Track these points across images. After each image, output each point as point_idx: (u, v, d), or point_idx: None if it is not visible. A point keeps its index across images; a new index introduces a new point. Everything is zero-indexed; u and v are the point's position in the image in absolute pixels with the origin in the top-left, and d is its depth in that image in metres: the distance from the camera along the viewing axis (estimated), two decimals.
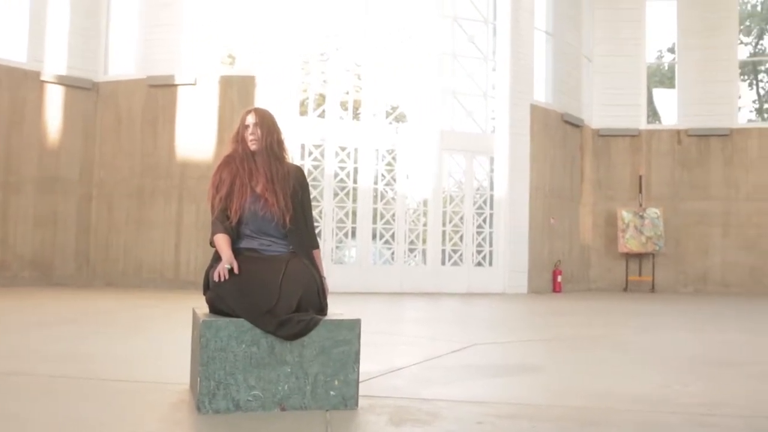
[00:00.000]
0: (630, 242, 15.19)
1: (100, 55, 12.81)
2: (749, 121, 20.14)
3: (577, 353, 5.29)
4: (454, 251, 13.16)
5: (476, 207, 13.38)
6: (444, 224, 13.11)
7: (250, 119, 3.39)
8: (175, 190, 12.14)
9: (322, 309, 3.22)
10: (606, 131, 15.92)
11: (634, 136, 15.80)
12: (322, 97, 12.98)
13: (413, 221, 13.17)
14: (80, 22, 12.54)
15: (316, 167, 12.33)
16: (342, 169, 12.53)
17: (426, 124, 13.25)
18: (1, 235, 11.74)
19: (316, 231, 12.05)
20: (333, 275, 10.39)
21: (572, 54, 15.15)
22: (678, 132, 15.71)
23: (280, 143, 3.45)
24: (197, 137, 12.08)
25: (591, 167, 15.80)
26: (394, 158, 12.96)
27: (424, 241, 13.06)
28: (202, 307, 3.33)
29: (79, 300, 9.14)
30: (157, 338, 5.56)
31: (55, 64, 12.28)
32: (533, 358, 5.04)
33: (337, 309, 3.39)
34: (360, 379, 3.15)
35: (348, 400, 3.06)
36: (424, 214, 13.21)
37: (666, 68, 21.90)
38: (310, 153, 12.29)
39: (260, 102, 11.47)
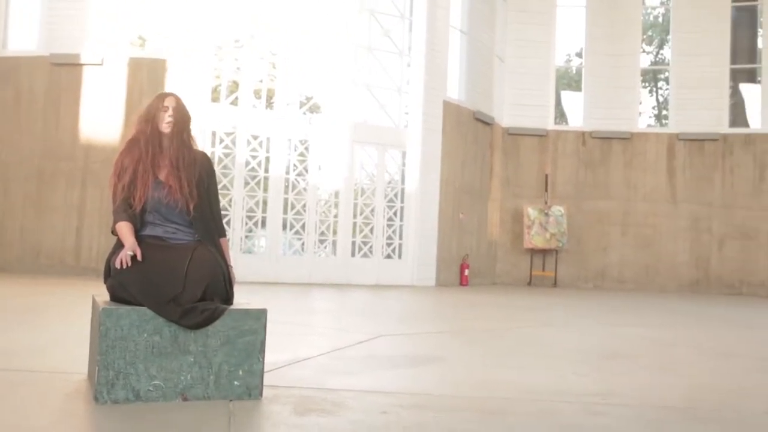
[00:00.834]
0: (535, 238, 15.67)
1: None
2: (648, 126, 21.12)
3: (480, 345, 5.43)
4: (364, 243, 13.23)
5: (387, 200, 13.49)
6: (355, 216, 13.15)
7: (170, 102, 3.35)
8: (78, 174, 11.67)
9: (229, 299, 3.19)
10: (515, 130, 16.35)
11: (541, 135, 16.30)
12: (236, 84, 12.75)
13: (324, 212, 13.15)
14: None
15: (227, 155, 12.11)
16: (254, 157, 12.37)
17: (339, 115, 13.24)
18: None
19: (226, 220, 11.86)
20: (242, 265, 10.25)
21: (485, 53, 15.46)
22: (583, 134, 16.31)
23: (188, 132, 3.42)
24: (103, 120, 11.64)
25: (500, 164, 16.20)
26: (306, 149, 12.89)
27: (335, 233, 13.07)
28: (103, 294, 3.24)
29: None
30: (53, 327, 5.35)
31: None
32: (438, 349, 5.14)
33: (243, 299, 3.36)
34: (265, 370, 3.14)
35: (252, 390, 3.04)
36: (336, 205, 13.21)
37: (574, 72, 22.68)
38: (222, 141, 12.07)
39: (171, 87, 11.17)
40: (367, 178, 13.62)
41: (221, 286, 3.14)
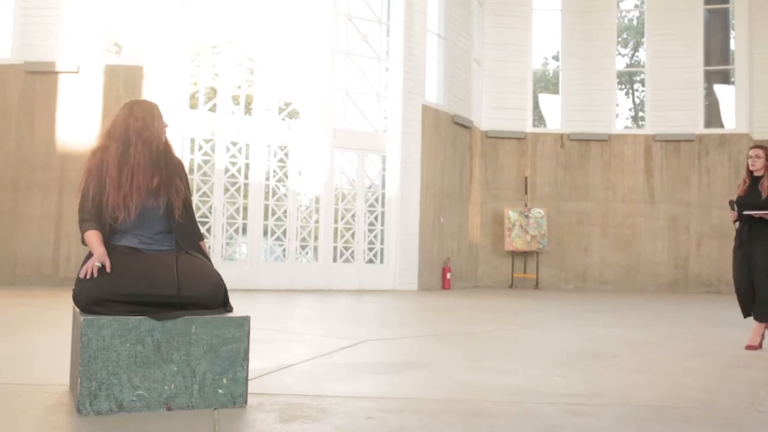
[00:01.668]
0: (516, 241, 15.75)
1: None
2: (625, 127, 21.35)
3: (463, 348, 5.45)
4: (346, 248, 13.22)
5: (368, 205, 13.49)
6: (336, 221, 13.14)
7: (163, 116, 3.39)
8: (54, 183, 11.54)
9: (226, 304, 3.17)
10: (494, 133, 16.44)
11: (520, 138, 16.40)
12: (214, 90, 12.70)
13: (305, 218, 13.12)
14: None
15: (206, 162, 12.06)
16: (233, 164, 12.32)
17: (319, 121, 13.23)
18: None
19: (206, 227, 11.82)
20: (223, 272, 10.13)
21: (463, 57, 15.54)
22: (561, 136, 16.44)
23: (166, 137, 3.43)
24: (79, 128, 11.52)
25: (479, 168, 16.27)
26: (286, 154, 12.86)
27: (316, 238, 13.05)
28: None
29: None
30: (32, 338, 5.28)
31: None
32: (422, 353, 5.15)
33: None
34: (249, 377, 3.13)
35: (237, 398, 3.03)
36: (316, 211, 13.19)
37: (551, 75, 22.85)
38: (200, 147, 12.01)
39: (148, 94, 11.10)
40: (347, 183, 13.62)
41: (221, 295, 3.14)
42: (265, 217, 12.48)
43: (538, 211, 15.81)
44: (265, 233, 12.54)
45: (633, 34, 26.24)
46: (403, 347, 5.44)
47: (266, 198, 12.52)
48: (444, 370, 4.38)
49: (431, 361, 4.74)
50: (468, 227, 15.68)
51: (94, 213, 3.18)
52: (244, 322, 3.08)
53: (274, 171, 12.78)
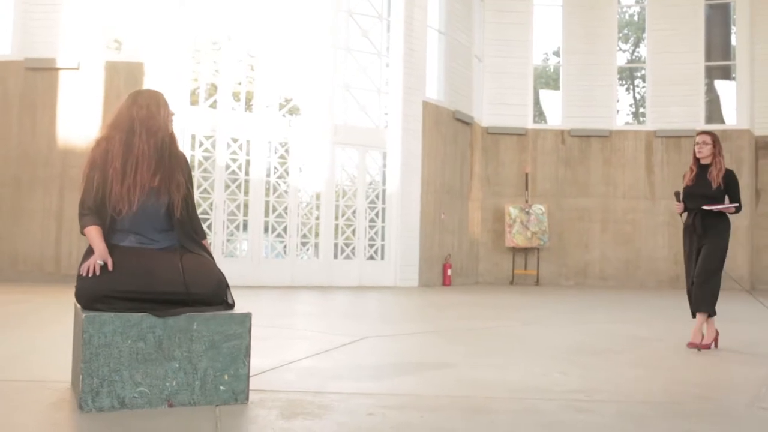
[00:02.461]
0: (516, 237, 15.76)
1: None
2: (626, 123, 21.31)
3: (464, 345, 5.46)
4: (347, 245, 13.23)
5: (369, 201, 13.49)
6: (336, 218, 13.14)
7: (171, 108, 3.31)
8: (55, 180, 11.55)
9: (226, 301, 3.17)
10: (495, 129, 16.42)
11: (521, 134, 16.39)
12: (214, 86, 12.70)
13: (306, 214, 13.13)
14: None
15: (207, 158, 12.06)
16: (234, 160, 12.32)
17: (319, 117, 13.22)
18: None
19: (207, 224, 11.82)
20: (224, 269, 10.14)
21: (463, 53, 15.52)
22: (562, 132, 16.43)
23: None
24: (80, 125, 11.52)
25: (480, 164, 16.27)
26: (287, 151, 12.86)
27: (317, 235, 13.05)
28: None
29: None
30: (33, 335, 5.29)
31: None
32: (422, 350, 5.16)
33: None
34: (251, 374, 3.13)
35: (238, 394, 3.04)
36: (317, 207, 13.20)
37: (552, 70, 22.82)
38: (201, 144, 12.01)
39: None
40: (348, 180, 13.61)
41: (223, 291, 3.13)
42: (266, 214, 12.48)
43: (538, 208, 15.81)
44: (266, 230, 12.54)
45: (634, 30, 26.20)
46: (405, 344, 5.44)
47: (267, 194, 12.52)
48: (445, 366, 4.39)
49: (432, 358, 4.74)
50: (469, 223, 15.68)
51: (95, 207, 3.10)
52: (246, 318, 3.09)
53: (275, 167, 12.78)
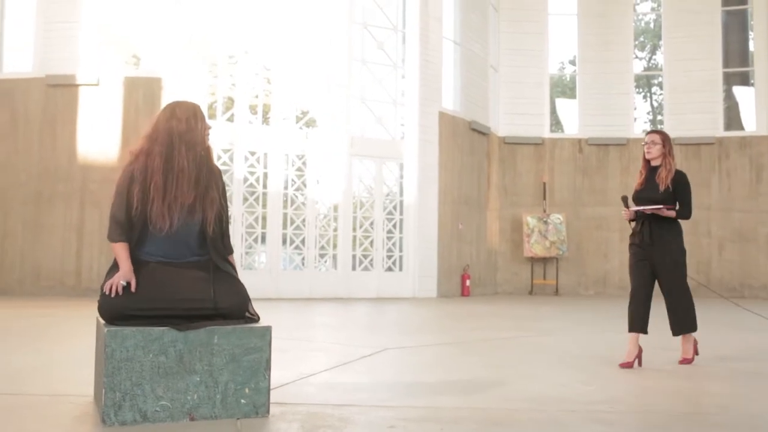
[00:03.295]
0: (535, 247, 15.68)
1: None
2: (644, 131, 21.19)
3: (483, 356, 5.43)
4: (365, 256, 13.23)
5: (386, 212, 13.50)
6: (354, 229, 13.16)
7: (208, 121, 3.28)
8: (76, 194, 11.68)
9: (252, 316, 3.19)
10: (511, 139, 16.39)
11: (538, 144, 16.35)
12: (231, 100, 12.79)
13: (323, 226, 13.16)
14: None
15: (225, 172, 12.12)
16: (251, 173, 12.39)
17: (336, 129, 13.28)
18: None
19: None
20: (243, 281, 10.17)
21: (479, 63, 15.53)
22: (579, 141, 16.36)
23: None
24: (100, 140, 11.67)
25: (497, 174, 16.23)
26: (304, 163, 12.91)
27: (335, 247, 13.07)
28: None
29: None
30: (56, 349, 5.34)
31: None
32: (442, 361, 5.14)
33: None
34: (271, 387, 3.14)
35: (259, 408, 3.04)
36: (335, 219, 13.22)
37: (568, 79, 22.76)
38: (219, 157, 12.09)
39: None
40: (365, 191, 13.64)
41: (245, 308, 3.15)
42: (284, 226, 12.53)
43: (556, 217, 15.74)
44: (284, 242, 12.59)
45: (650, 37, 26.08)
46: (424, 355, 5.43)
47: (285, 207, 12.57)
48: (465, 377, 4.37)
49: (452, 369, 4.72)
50: (486, 234, 15.63)
51: (127, 222, 3.07)
52: (266, 332, 3.09)
53: (292, 180, 12.84)
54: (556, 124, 18.81)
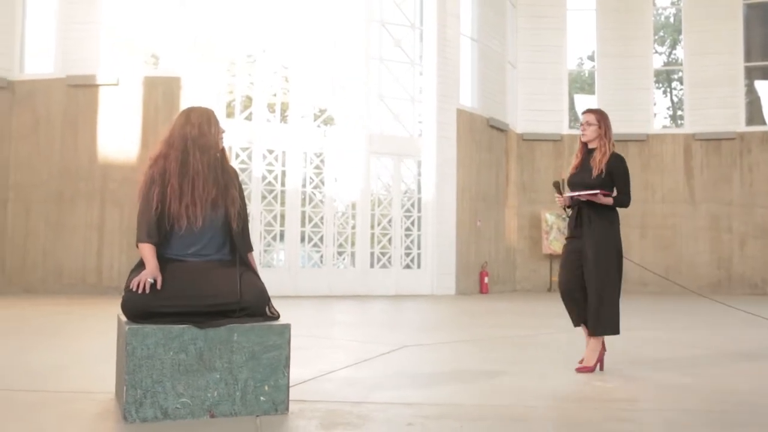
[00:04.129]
0: (554, 244, 15.60)
1: (16, 53, 12.34)
2: (664, 127, 20.99)
3: (502, 353, 5.41)
4: (383, 254, 13.24)
5: (404, 210, 13.50)
6: (372, 227, 13.17)
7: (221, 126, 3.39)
8: (96, 194, 11.79)
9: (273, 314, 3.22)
10: (530, 136, 16.32)
11: (556, 140, 16.26)
12: (249, 99, 12.85)
13: (342, 224, 13.18)
14: None
15: (243, 170, 12.18)
16: (270, 172, 12.44)
17: (354, 127, 13.29)
18: None
19: None
20: (261, 279, 10.22)
21: (497, 60, 15.47)
22: None
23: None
24: (120, 139, 11.77)
25: (516, 171, 16.16)
26: (322, 161, 12.94)
27: (353, 244, 13.09)
28: None
29: None
30: (78, 346, 5.39)
31: None
32: (461, 358, 5.13)
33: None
34: (290, 384, 3.15)
35: (278, 405, 3.05)
36: (353, 216, 13.24)
37: (586, 75, 22.60)
38: (238, 156, 12.15)
39: (186, 104, 11.26)
40: (383, 189, 13.65)
41: (264, 305, 3.19)
42: (302, 224, 12.56)
43: None
44: (303, 240, 12.63)
45: (670, 32, 25.81)
46: (443, 352, 5.42)
47: (303, 205, 12.61)
48: (484, 375, 4.36)
49: (471, 367, 4.71)
50: (505, 231, 15.58)
51: (153, 223, 3.18)
52: (285, 329, 3.11)
53: (311, 178, 12.87)
54: (574, 120, 18.69)
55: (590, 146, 4.57)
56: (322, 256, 12.84)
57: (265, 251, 12.75)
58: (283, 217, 12.53)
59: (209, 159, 3.28)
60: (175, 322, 2.98)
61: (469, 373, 4.38)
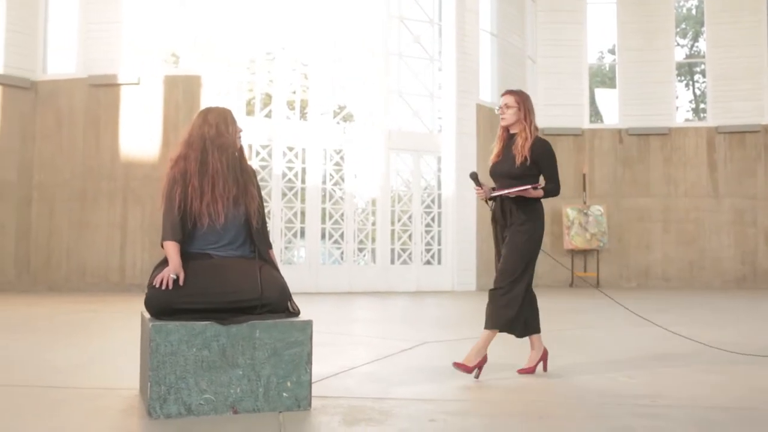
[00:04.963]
0: (575, 239, 15.50)
1: (38, 54, 12.47)
2: (686, 120, 20.79)
3: (524, 349, 5.38)
4: (403, 250, 13.23)
5: (424, 206, 13.48)
6: (393, 223, 13.17)
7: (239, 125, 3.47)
8: (119, 192, 11.90)
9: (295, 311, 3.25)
10: (550, 130, 16.17)
11: (577, 135, 16.13)
12: (269, 96, 12.88)
13: (362, 220, 13.19)
14: (17, 19, 12.17)
15: (263, 168, 12.23)
16: (290, 169, 12.47)
17: (373, 123, 13.29)
18: None
19: None
20: (282, 276, 10.27)
21: (516, 55, 15.38)
22: (619, 131, 16.10)
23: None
24: (141, 138, 11.86)
25: None
26: (342, 158, 12.95)
27: (373, 241, 13.10)
28: None
29: (17, 306, 8.87)
30: (102, 343, 5.45)
31: None
32: None
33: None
34: (312, 380, 3.16)
35: (301, 401, 3.07)
36: (373, 213, 13.25)
37: (607, 69, 22.42)
38: (258, 153, 12.20)
39: (206, 102, 11.33)
40: (403, 185, 13.63)
41: (286, 301, 3.23)
42: (323, 221, 12.59)
43: (597, 209, 15.53)
44: (323, 236, 12.65)
45: (692, 24, 25.54)
46: (464, 349, 5.39)
47: (323, 201, 12.63)
48: (506, 370, 4.34)
49: (491, 362, 4.70)
50: None
51: (178, 222, 3.25)
52: (307, 326, 3.12)
53: (331, 174, 12.89)
54: (595, 114, 18.56)
55: (511, 131, 4.26)
56: (342, 253, 12.86)
57: (286, 248, 12.79)
58: (303, 214, 12.56)
59: (228, 158, 3.35)
60: (197, 318, 3.01)
61: (491, 369, 4.36)
